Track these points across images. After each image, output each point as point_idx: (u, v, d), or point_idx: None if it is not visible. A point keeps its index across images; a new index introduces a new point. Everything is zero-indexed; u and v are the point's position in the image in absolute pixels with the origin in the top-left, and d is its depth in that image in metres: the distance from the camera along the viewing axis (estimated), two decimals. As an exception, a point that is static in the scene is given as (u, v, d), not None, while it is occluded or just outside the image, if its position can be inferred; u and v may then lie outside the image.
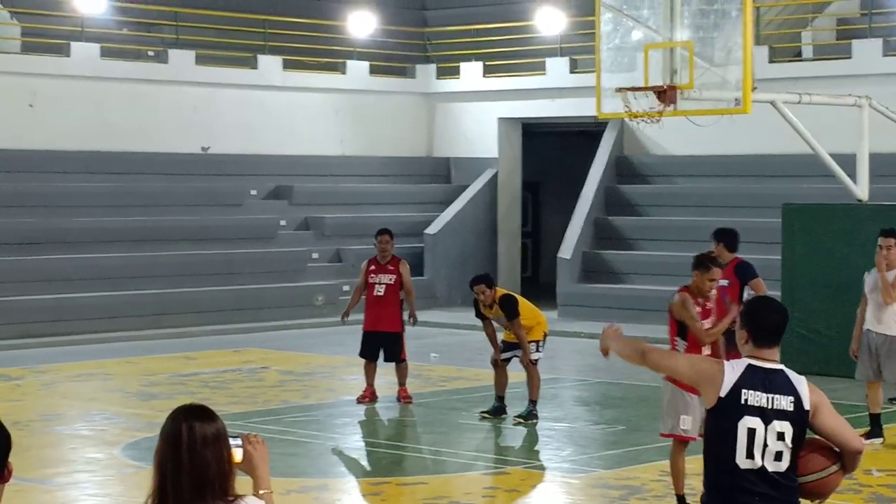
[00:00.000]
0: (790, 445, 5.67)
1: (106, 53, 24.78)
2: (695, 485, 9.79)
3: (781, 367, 5.80)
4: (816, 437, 5.79)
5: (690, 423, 9.99)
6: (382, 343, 15.34)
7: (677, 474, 10.16)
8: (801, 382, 5.77)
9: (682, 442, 10.12)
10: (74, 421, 14.43)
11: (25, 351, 20.02)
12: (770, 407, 5.66)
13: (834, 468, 5.77)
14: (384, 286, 15.32)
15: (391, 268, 15.38)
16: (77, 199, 23.49)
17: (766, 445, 5.65)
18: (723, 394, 5.69)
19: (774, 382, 5.70)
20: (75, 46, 24.34)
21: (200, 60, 25.79)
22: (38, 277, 21.84)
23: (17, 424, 14.21)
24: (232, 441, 4.44)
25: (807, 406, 5.70)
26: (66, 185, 23.62)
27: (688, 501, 9.97)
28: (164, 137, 25.11)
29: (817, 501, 5.93)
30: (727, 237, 13.67)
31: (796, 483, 5.75)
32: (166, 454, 4.27)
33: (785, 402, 5.68)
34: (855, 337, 13.09)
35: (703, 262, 10.45)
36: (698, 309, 10.28)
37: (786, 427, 5.66)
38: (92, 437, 13.70)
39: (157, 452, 4.31)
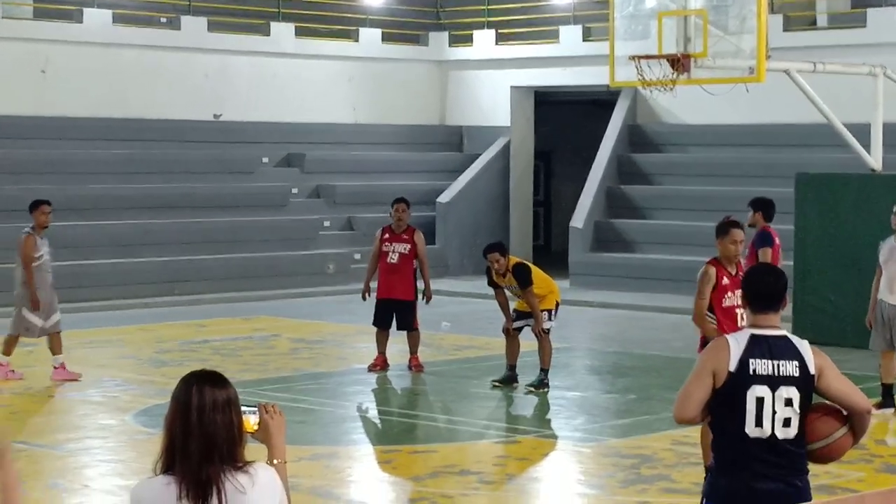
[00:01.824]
0: (798, 411, 5.70)
1: (118, 20, 24.74)
2: (690, 452, 9.75)
3: (784, 332, 5.81)
4: (823, 401, 5.79)
5: None
6: (395, 311, 15.33)
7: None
8: (804, 347, 5.79)
9: None
10: (86, 387, 14.46)
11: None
12: (777, 374, 5.69)
13: (842, 431, 5.78)
14: (398, 254, 15.31)
15: (406, 237, 15.37)
16: (89, 166, 23.49)
17: (774, 412, 5.67)
18: (732, 368, 5.71)
19: (779, 348, 5.73)
20: (87, 13, 24.30)
21: (213, 27, 25.74)
22: (51, 244, 21.79)
23: (29, 390, 14.26)
24: (248, 409, 4.44)
25: (812, 370, 5.73)
26: (79, 152, 23.62)
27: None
28: (176, 105, 25.09)
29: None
30: (766, 206, 13.73)
31: (804, 450, 5.76)
32: (176, 417, 4.28)
33: (791, 368, 5.70)
34: (871, 307, 13.04)
35: (721, 227, 10.26)
36: (726, 281, 10.10)
37: (793, 392, 5.69)
38: (104, 403, 13.73)
39: (168, 416, 4.31)
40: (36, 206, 14.70)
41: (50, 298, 14.60)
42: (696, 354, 10.20)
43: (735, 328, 9.87)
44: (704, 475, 9.69)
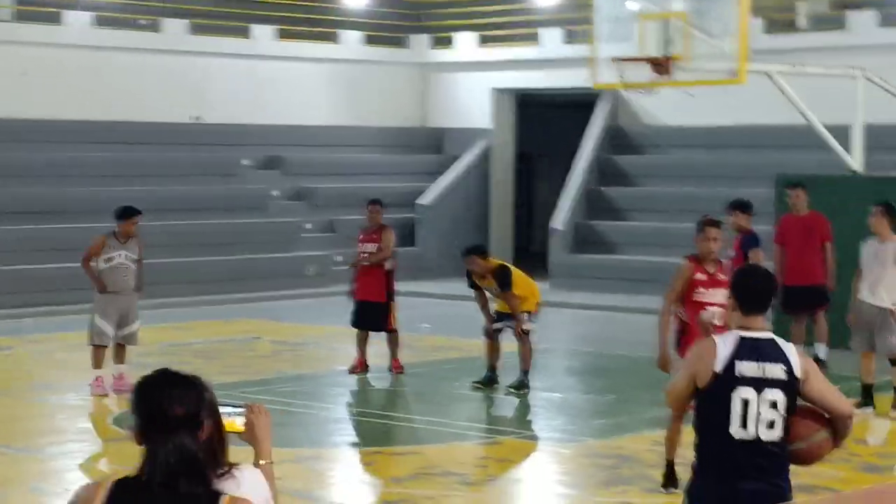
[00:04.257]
0: (783, 413, 5.72)
1: (99, 22, 24.69)
2: (686, 454, 9.72)
3: (771, 335, 5.83)
4: (806, 403, 5.82)
5: None
6: (369, 312, 15.29)
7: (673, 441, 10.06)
8: (790, 350, 5.82)
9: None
10: (67, 391, 14.41)
11: (20, 321, 20.00)
12: (763, 376, 5.71)
13: (823, 434, 5.80)
14: (368, 255, 15.29)
15: (375, 236, 15.35)
16: (69, 169, 23.42)
17: (759, 415, 5.70)
18: (718, 369, 5.73)
19: (765, 351, 5.75)
20: (68, 15, 24.25)
21: (194, 30, 25.70)
22: (32, 247, 21.79)
23: (8, 394, 14.20)
24: (235, 410, 4.41)
25: (798, 373, 5.75)
26: (59, 154, 23.56)
27: (677, 469, 9.93)
28: (156, 107, 25.03)
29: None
30: (748, 206, 14.21)
31: (788, 452, 5.78)
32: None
33: (777, 370, 5.73)
34: (851, 308, 13.09)
35: (698, 225, 10.42)
36: (703, 277, 10.21)
37: (778, 395, 5.71)
38: (84, 406, 13.69)
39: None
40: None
41: (124, 305, 14.16)
42: (676, 353, 10.31)
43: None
44: (667, 473, 9.72)
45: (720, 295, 10.10)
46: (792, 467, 5.86)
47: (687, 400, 5.91)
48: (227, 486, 4.20)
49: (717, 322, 9.09)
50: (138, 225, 14.41)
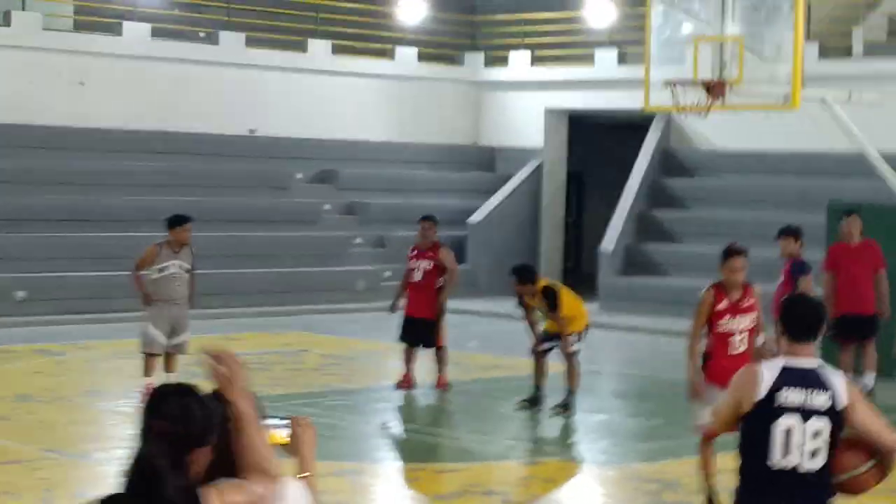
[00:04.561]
0: (826, 443, 5.69)
1: (157, 34, 24.92)
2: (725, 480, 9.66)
3: (818, 363, 5.81)
4: (852, 435, 5.80)
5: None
6: (419, 329, 15.35)
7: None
8: (837, 379, 5.78)
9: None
10: (116, 398, 14.56)
11: (70, 327, 20.19)
12: (806, 405, 5.68)
13: (869, 465, 5.78)
14: (422, 271, 15.34)
15: (430, 254, 15.41)
16: (124, 178, 23.64)
17: (802, 444, 5.67)
18: (760, 396, 5.71)
19: (810, 380, 5.72)
20: (127, 26, 24.50)
21: (250, 43, 25.90)
22: (85, 254, 22.00)
23: (60, 399, 14.35)
24: (280, 422, 4.48)
25: (843, 403, 5.71)
26: (114, 163, 23.78)
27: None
28: (211, 119, 25.23)
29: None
30: (799, 232, 14.13)
31: (830, 481, 5.76)
32: None
33: (821, 400, 5.69)
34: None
35: (722, 253, 10.41)
36: (725, 305, 10.20)
37: (822, 425, 5.68)
38: (132, 413, 13.80)
39: None
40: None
41: (175, 315, 14.22)
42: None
43: (726, 353, 9.99)
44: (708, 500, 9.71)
45: (747, 321, 10.14)
46: (836, 498, 5.84)
47: (730, 427, 5.89)
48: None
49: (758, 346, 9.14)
50: (190, 233, 14.48)
